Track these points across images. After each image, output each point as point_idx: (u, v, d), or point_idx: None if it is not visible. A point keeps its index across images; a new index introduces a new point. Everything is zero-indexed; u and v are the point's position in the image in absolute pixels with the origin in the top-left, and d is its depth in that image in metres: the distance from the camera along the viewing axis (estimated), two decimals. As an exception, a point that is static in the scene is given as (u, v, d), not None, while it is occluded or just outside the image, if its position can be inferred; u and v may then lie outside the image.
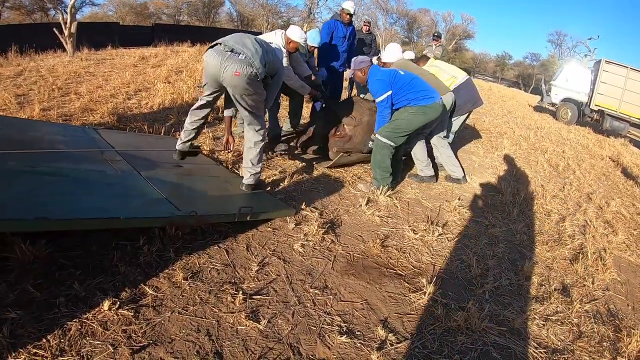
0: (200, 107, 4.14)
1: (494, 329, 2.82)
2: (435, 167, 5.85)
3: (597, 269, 4.06)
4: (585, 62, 19.89)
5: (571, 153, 9.51)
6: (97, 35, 18.32)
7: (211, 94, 3.96)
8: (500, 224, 4.60)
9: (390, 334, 2.56)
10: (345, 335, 2.48)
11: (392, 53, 6.14)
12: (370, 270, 3.25)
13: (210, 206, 3.53)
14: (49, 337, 2.14)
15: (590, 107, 16.65)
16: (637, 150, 13.47)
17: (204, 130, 5.43)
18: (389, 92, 4.75)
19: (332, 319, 2.63)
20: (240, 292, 2.68)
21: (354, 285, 3.01)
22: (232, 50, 3.52)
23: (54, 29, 14.48)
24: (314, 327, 2.53)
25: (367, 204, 4.39)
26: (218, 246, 3.19)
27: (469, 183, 5.81)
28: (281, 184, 4.53)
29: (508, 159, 7.39)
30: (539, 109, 19.73)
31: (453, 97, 5.73)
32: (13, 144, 3.74)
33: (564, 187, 6.62)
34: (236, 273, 2.92)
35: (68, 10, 14.90)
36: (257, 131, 3.98)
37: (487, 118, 11.43)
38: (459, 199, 5.11)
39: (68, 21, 14.46)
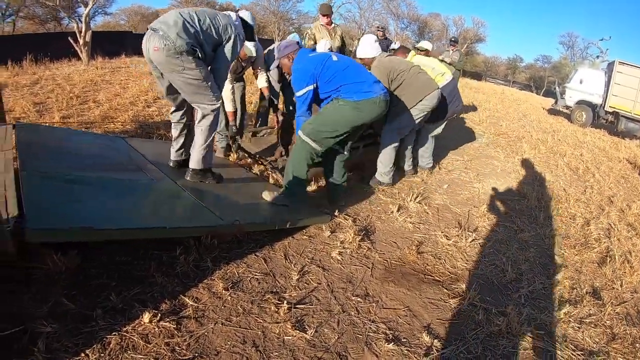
0: (172, 112, 4.22)
1: (532, 333, 2.86)
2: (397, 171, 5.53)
3: (625, 272, 4.07)
4: (598, 63, 19.93)
5: (589, 156, 9.47)
6: (110, 44, 18.52)
7: (167, 90, 3.96)
8: (528, 229, 4.61)
9: (435, 340, 2.61)
10: (392, 343, 2.52)
11: (367, 48, 5.26)
12: (408, 276, 3.30)
13: (250, 214, 3.56)
14: (87, 351, 2.11)
15: (605, 109, 16.61)
16: (653, 151, 13.43)
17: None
18: (311, 87, 3.94)
19: (377, 326, 2.67)
20: (284, 301, 2.70)
21: (395, 292, 3.05)
22: (154, 30, 3.51)
23: (69, 38, 14.70)
24: (360, 335, 2.57)
25: (398, 210, 4.43)
26: (255, 255, 3.22)
27: (495, 188, 5.83)
28: (310, 189, 4.60)
29: (529, 163, 7.38)
30: (553, 111, 19.65)
31: (439, 97, 5.11)
32: (47, 152, 3.79)
33: (585, 191, 6.61)
34: (277, 282, 2.95)
35: (83, 20, 15.13)
36: (206, 110, 3.85)
37: (504, 122, 11.40)
38: (486, 204, 5.14)
39: (83, 30, 14.70)
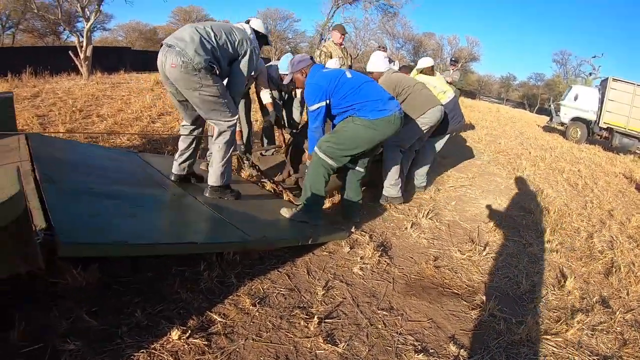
0: (183, 125, 4.23)
1: (550, 341, 2.96)
2: (406, 186, 5.63)
3: (630, 282, 4.19)
4: (591, 80, 20.14)
5: (587, 172, 9.64)
6: (108, 59, 18.65)
7: (181, 103, 3.95)
8: (536, 242, 4.72)
9: (461, 350, 2.69)
10: (421, 354, 2.59)
11: (378, 62, 5.36)
12: (429, 290, 3.39)
13: (273, 230, 3.63)
14: None
15: (599, 125, 16.78)
16: (647, 166, 13.60)
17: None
18: (324, 103, 3.93)
19: (405, 338, 2.74)
20: (313, 316, 2.75)
21: (418, 305, 3.14)
22: (170, 46, 3.49)
23: (70, 52, 14.77)
24: (390, 347, 2.64)
25: (411, 226, 4.54)
26: (279, 271, 3.28)
27: (501, 204, 5.95)
28: (326, 206, 4.69)
29: (530, 180, 7.54)
30: (548, 128, 19.84)
31: (442, 112, 5.20)
32: (64, 164, 3.83)
33: (586, 205, 6.75)
34: (302, 297, 3.01)
35: (84, 34, 15.25)
36: (222, 127, 3.86)
37: (502, 140, 11.57)
38: (494, 220, 5.26)
39: (84, 44, 14.79)
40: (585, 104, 17.65)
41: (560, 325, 3.17)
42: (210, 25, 3.69)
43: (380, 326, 2.83)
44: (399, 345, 2.67)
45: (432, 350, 2.68)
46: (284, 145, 5.81)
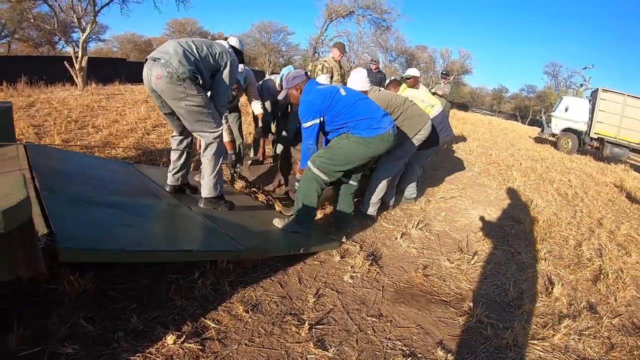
0: (173, 136, 4.31)
1: (537, 345, 3.03)
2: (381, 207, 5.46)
3: (618, 288, 4.26)
4: (581, 92, 20.26)
5: (577, 181, 9.73)
6: (103, 70, 18.71)
7: (168, 115, 4.04)
8: (524, 251, 4.79)
9: (449, 354, 2.75)
10: (409, 358, 2.67)
11: (359, 81, 5.01)
12: (417, 297, 3.46)
13: (266, 240, 3.71)
14: None
15: (590, 135, 16.90)
16: (638, 175, 13.65)
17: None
18: (318, 120, 3.96)
19: (394, 343, 2.81)
20: (304, 322, 2.83)
21: (406, 312, 3.21)
22: (154, 60, 3.57)
23: (65, 62, 14.82)
24: (379, 352, 2.71)
25: (401, 237, 4.62)
26: (271, 279, 3.37)
27: (490, 214, 6.04)
28: (318, 217, 4.76)
29: (520, 190, 7.63)
30: (539, 140, 19.94)
31: (431, 128, 5.22)
32: (62, 173, 3.91)
33: (575, 214, 6.82)
34: (294, 304, 3.08)
35: (80, 45, 15.33)
36: (209, 138, 3.92)
37: (493, 151, 11.69)
38: (483, 230, 5.35)
39: (80, 55, 14.86)
40: (576, 114, 17.76)
41: (547, 330, 3.24)
42: (192, 40, 3.82)
43: (369, 332, 2.90)
44: (388, 350, 2.74)
45: (420, 355, 2.74)
46: (261, 157, 5.92)
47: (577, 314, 3.61)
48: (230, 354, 2.48)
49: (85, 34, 15.73)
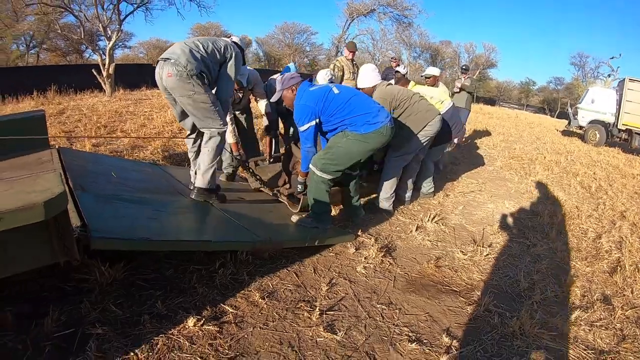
0: (188, 136, 4.47)
1: (545, 335, 3.07)
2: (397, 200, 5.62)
3: (636, 280, 4.21)
4: (609, 82, 19.77)
5: (602, 174, 9.62)
6: (130, 76, 18.99)
7: (180, 115, 4.24)
8: (540, 244, 4.82)
9: (454, 341, 2.85)
10: (414, 343, 2.78)
11: (368, 77, 5.22)
12: (428, 287, 3.57)
13: (283, 233, 3.89)
14: (136, 351, 2.37)
15: (618, 127, 16.61)
16: (668, 167, 13.49)
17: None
18: (313, 122, 4.01)
19: (401, 329, 2.93)
20: (316, 308, 2.99)
21: (416, 301, 3.33)
22: (165, 60, 3.80)
23: (93, 70, 15.16)
24: (386, 337, 2.83)
25: (416, 230, 4.73)
26: (287, 269, 3.55)
27: (509, 208, 6.08)
28: (333, 213, 4.91)
29: (542, 184, 7.62)
30: (567, 133, 19.60)
31: (441, 123, 5.24)
32: (93, 174, 4.16)
33: (597, 207, 6.76)
34: (308, 292, 3.26)
35: (107, 53, 15.68)
36: (213, 132, 4.08)
37: (517, 145, 11.66)
38: (500, 222, 5.41)
39: (107, 62, 15.21)
40: (602, 106, 17.46)
41: (555, 319, 3.29)
42: (197, 39, 4.03)
43: (378, 318, 3.03)
44: (394, 336, 2.86)
45: (426, 341, 2.85)
46: (267, 156, 6.02)
47: (589, 305, 3.62)
48: (246, 336, 2.67)
49: (111, 42, 16.06)
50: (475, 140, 11.75)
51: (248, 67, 5.64)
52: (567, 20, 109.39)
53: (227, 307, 2.91)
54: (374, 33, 37.50)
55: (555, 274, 4.18)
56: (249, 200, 4.70)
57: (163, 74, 3.81)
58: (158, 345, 2.46)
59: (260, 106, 5.90)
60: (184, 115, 4.22)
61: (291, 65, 6.22)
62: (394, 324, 2.99)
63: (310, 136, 4.08)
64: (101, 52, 18.15)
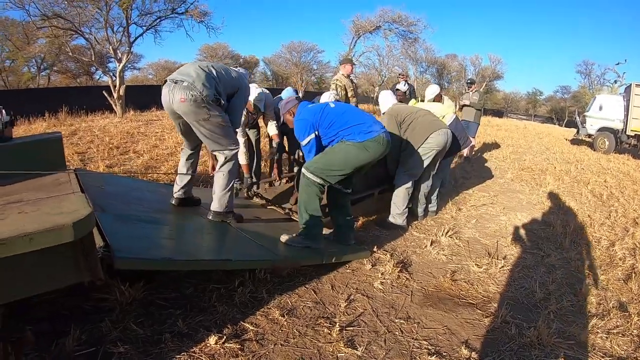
0: (183, 149, 4.40)
1: (562, 344, 3.09)
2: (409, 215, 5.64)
3: None
4: (616, 88, 19.70)
5: (613, 182, 9.62)
6: (140, 97, 19.19)
7: (185, 134, 4.15)
8: (554, 254, 4.84)
9: (473, 353, 2.89)
10: (434, 356, 2.81)
11: (387, 101, 5.69)
12: (445, 301, 3.61)
13: (300, 251, 3.90)
14: None
15: (627, 133, 16.50)
16: (679, 171, 13.42)
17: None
18: (313, 135, 4.05)
19: (420, 343, 2.97)
20: (335, 325, 3.03)
21: (433, 315, 3.36)
22: (176, 82, 3.62)
23: (104, 92, 15.39)
24: (405, 351, 2.87)
25: (431, 244, 4.77)
26: (305, 287, 3.60)
27: (521, 219, 6.10)
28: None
29: (553, 194, 7.64)
30: (576, 141, 19.51)
31: (447, 135, 5.28)
32: (111, 195, 4.22)
33: (609, 215, 6.78)
34: (327, 309, 3.30)
35: (117, 74, 15.89)
36: (226, 157, 3.95)
37: (527, 157, 11.69)
38: (513, 234, 5.43)
39: (117, 84, 15.41)
40: (610, 113, 17.35)
41: (573, 328, 3.31)
42: (211, 64, 3.93)
43: (397, 333, 3.07)
44: (414, 349, 2.89)
45: (445, 354, 2.88)
46: (276, 178, 6.15)
47: (606, 313, 3.63)
48: (267, 353, 2.70)
49: (121, 64, 16.35)
50: (485, 153, 11.80)
51: (264, 91, 5.76)
52: (571, 28, 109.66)
53: (247, 325, 2.96)
54: (380, 49, 37.57)
55: (570, 283, 4.20)
56: (265, 219, 4.74)
57: (174, 98, 3.66)
58: (180, 364, 2.50)
59: (269, 129, 5.97)
60: (191, 135, 4.11)
61: (287, 90, 6.38)
62: (413, 338, 3.03)
63: (313, 149, 4.10)
64: (111, 74, 18.43)
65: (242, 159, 5.51)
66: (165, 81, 3.78)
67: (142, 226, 3.48)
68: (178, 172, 4.45)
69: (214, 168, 4.39)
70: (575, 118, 20.85)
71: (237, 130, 4.40)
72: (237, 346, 2.71)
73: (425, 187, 5.65)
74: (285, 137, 6.64)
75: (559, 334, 3.22)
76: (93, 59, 18.38)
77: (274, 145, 6.07)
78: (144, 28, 18.80)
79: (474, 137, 10.72)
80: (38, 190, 3.57)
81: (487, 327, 3.25)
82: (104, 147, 8.52)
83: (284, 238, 3.98)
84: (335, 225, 4.56)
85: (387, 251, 4.53)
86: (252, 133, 6.26)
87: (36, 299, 2.89)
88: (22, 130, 11.15)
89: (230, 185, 4.08)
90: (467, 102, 10.39)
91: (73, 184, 3.75)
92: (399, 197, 5.27)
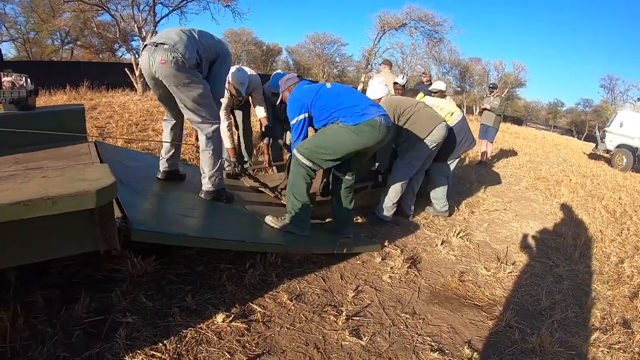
0: (166, 119, 4.29)
1: (564, 353, 3.12)
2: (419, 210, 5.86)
3: None
4: (639, 105, 19.44)
5: (628, 199, 9.53)
6: None
7: (166, 103, 4.01)
8: (563, 265, 4.84)
9: (475, 353, 2.93)
10: (436, 353, 2.86)
11: (377, 89, 5.34)
12: (451, 300, 3.65)
13: (312, 238, 3.96)
14: (165, 342, 2.47)
15: (646, 152, 16.26)
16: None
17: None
18: (303, 116, 3.85)
19: (424, 339, 3.01)
20: (342, 313, 3.08)
21: (439, 312, 3.40)
22: (157, 45, 3.46)
23: (126, 69, 15.48)
24: (409, 345, 2.92)
25: (442, 244, 4.80)
26: (315, 274, 3.66)
27: (532, 228, 6.10)
28: (362, 223, 5.08)
29: (566, 206, 7.61)
30: (593, 156, 19.32)
31: (447, 130, 5.20)
32: (129, 168, 4.34)
33: (621, 232, 6.72)
34: (334, 297, 3.36)
35: (140, 53, 16.07)
36: (207, 135, 3.83)
37: (543, 166, 11.64)
38: (523, 242, 5.45)
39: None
40: (631, 130, 17.03)
41: (575, 339, 3.33)
42: (193, 29, 3.76)
43: (402, 327, 3.11)
44: (417, 344, 2.94)
45: (448, 351, 2.92)
46: (266, 163, 6.04)
47: (609, 328, 3.65)
48: (273, 335, 2.76)
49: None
50: (502, 159, 11.78)
51: (249, 72, 5.56)
52: (598, 42, 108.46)
53: (255, 306, 3.02)
54: (404, 47, 37.43)
55: (576, 295, 4.20)
56: (277, 204, 4.76)
57: (155, 60, 3.49)
58: (186, 338, 2.56)
59: (257, 112, 5.83)
60: (172, 104, 3.91)
61: (278, 72, 6.21)
62: (417, 333, 3.07)
63: (299, 130, 3.92)
64: (134, 52, 18.50)
65: (227, 142, 5.43)
66: (146, 45, 3.64)
67: (158, 201, 3.59)
68: (163, 141, 4.34)
69: (197, 139, 4.27)
70: (595, 132, 20.60)
71: (220, 103, 4.28)
72: (244, 326, 2.77)
73: (415, 184, 5.57)
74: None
75: (561, 343, 3.24)
76: (117, 35, 18.56)
77: (264, 129, 5.86)
78: (170, 8, 18.91)
79: (492, 142, 10.69)
80: (59, 159, 3.64)
81: (491, 330, 3.28)
82: (123, 123, 8.61)
83: (268, 219, 3.87)
84: (333, 214, 4.51)
85: (397, 246, 4.56)
86: (239, 114, 6.19)
87: (48, 265, 3.00)
88: (42, 101, 11.26)
89: (219, 163, 4.00)
90: (488, 106, 10.35)
91: (93, 155, 3.83)
92: (395, 190, 5.15)
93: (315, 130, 4.04)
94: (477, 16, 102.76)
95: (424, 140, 5.05)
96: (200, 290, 3.08)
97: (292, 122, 3.91)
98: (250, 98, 5.89)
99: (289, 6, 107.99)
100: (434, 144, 5.14)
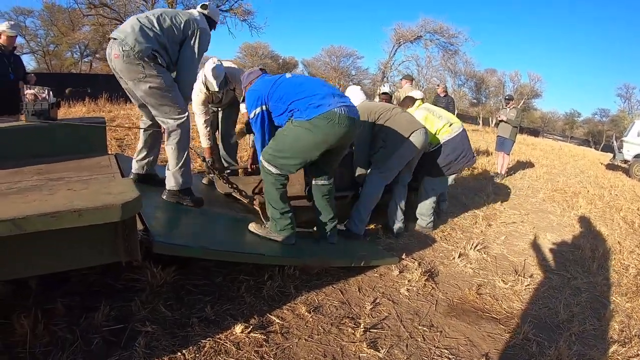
0: (142, 121, 4.13)
1: None
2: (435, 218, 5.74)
3: None
4: None
5: (647, 211, 9.51)
6: None
7: (131, 97, 3.88)
8: (581, 277, 4.82)
9: (492, 366, 2.94)
10: (454, 366, 2.88)
11: (354, 97, 4.92)
12: (469, 313, 3.66)
13: (329, 251, 4.01)
14: (184, 351, 2.50)
15: (664, 162, 15.95)
16: None
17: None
18: (259, 109, 3.58)
19: (441, 351, 3.02)
20: (360, 325, 3.09)
21: (456, 325, 3.41)
22: (115, 39, 3.39)
23: None
24: (426, 358, 2.93)
25: (459, 257, 4.81)
26: (333, 286, 3.68)
27: (550, 240, 6.08)
28: (380, 235, 5.09)
29: (584, 218, 7.57)
30: (611, 167, 19.08)
31: (426, 136, 4.88)
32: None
33: (640, 244, 6.72)
34: (352, 310, 3.38)
35: None
36: (172, 126, 3.66)
37: (560, 178, 11.58)
38: (541, 254, 5.43)
39: None
40: (649, 139, 16.87)
41: (593, 352, 3.33)
42: (153, 13, 3.61)
43: (419, 339, 3.13)
44: (435, 357, 2.95)
45: (465, 364, 2.94)
46: (249, 166, 5.61)
47: (627, 340, 3.62)
48: (291, 346, 2.79)
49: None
50: (519, 171, 11.73)
51: (227, 64, 5.21)
52: (613, 50, 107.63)
53: (273, 318, 3.05)
54: (420, 59, 37.51)
55: (594, 307, 4.19)
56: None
57: (111, 54, 3.44)
58: (205, 348, 2.60)
59: (241, 107, 5.15)
60: (134, 96, 3.80)
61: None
62: (434, 346, 3.08)
63: (258, 125, 3.68)
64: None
65: (204, 142, 5.18)
66: (109, 39, 3.55)
67: (178, 214, 3.64)
68: (137, 148, 4.18)
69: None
70: (612, 143, 20.41)
71: (190, 90, 4.07)
72: (262, 337, 2.80)
73: (399, 199, 5.24)
74: None
75: (579, 356, 3.24)
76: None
77: (244, 125, 5.21)
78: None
79: (508, 154, 10.65)
80: (81, 170, 3.72)
81: (508, 343, 3.28)
82: (141, 136, 8.69)
83: (251, 226, 3.76)
84: (316, 224, 4.29)
85: (415, 259, 4.57)
86: (224, 113, 5.80)
87: (69, 274, 3.06)
88: (62, 113, 11.38)
89: (184, 159, 3.79)
90: (504, 118, 10.31)
91: (113, 167, 3.91)
92: (366, 202, 4.76)
93: (276, 129, 3.76)
94: (492, 27, 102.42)
95: (401, 147, 4.74)
96: (219, 301, 3.13)
97: (250, 116, 3.69)
98: (236, 94, 5.48)
99: (305, 20, 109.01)
100: (413, 152, 4.84)
